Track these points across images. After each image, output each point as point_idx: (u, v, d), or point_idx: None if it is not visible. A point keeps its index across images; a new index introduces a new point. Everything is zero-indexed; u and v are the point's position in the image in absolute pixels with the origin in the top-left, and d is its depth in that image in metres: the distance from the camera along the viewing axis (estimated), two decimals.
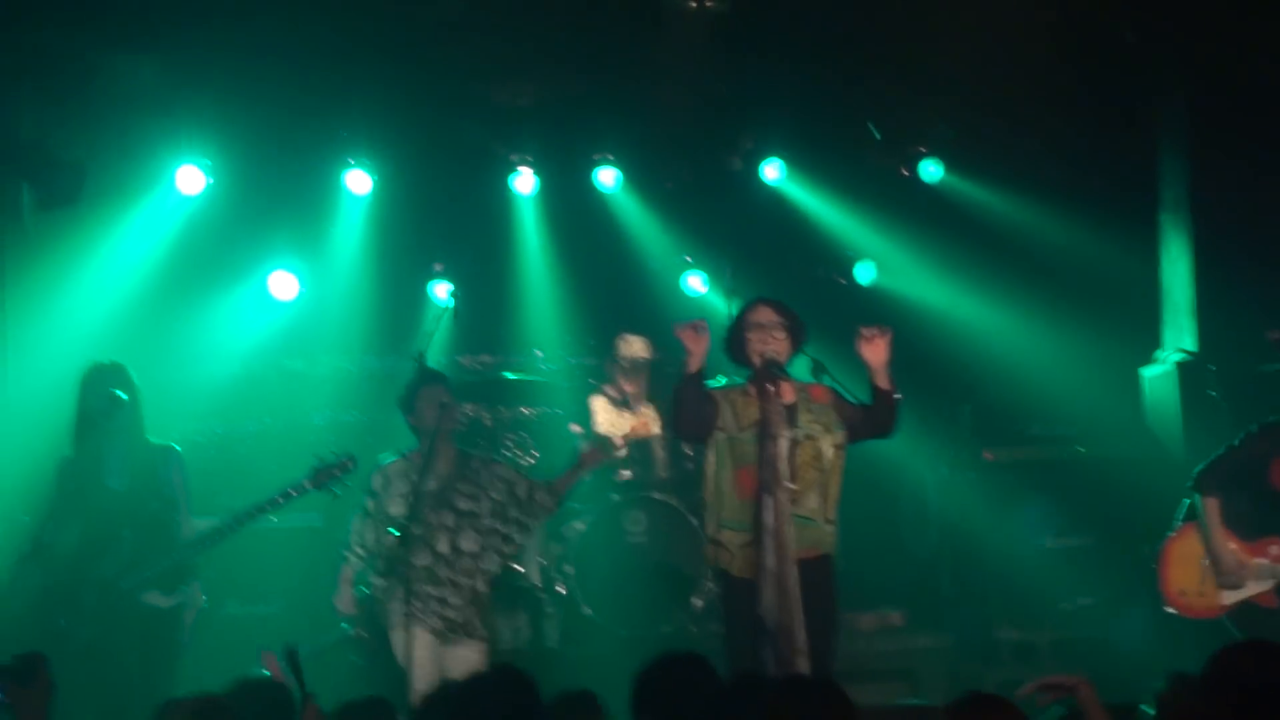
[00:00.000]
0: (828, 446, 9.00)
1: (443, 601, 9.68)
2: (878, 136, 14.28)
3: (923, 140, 14.32)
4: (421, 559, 9.66)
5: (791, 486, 8.79)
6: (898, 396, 9.01)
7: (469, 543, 9.77)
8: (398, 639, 9.63)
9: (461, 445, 10.16)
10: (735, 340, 9.14)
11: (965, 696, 5.81)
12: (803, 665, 8.53)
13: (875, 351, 8.90)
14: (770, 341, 8.98)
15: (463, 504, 9.80)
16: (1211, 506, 10.21)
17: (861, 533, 12.33)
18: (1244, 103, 12.66)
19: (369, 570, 9.85)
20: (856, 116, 14.32)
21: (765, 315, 9.07)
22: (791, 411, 8.94)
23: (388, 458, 9.92)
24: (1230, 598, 10.21)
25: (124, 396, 9.54)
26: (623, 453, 11.28)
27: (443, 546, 9.72)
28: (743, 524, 8.87)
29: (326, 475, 9.78)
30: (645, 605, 11.92)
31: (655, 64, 13.62)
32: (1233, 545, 10.18)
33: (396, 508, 9.65)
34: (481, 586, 9.80)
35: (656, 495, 12.20)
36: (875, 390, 8.98)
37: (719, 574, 9.15)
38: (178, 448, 9.90)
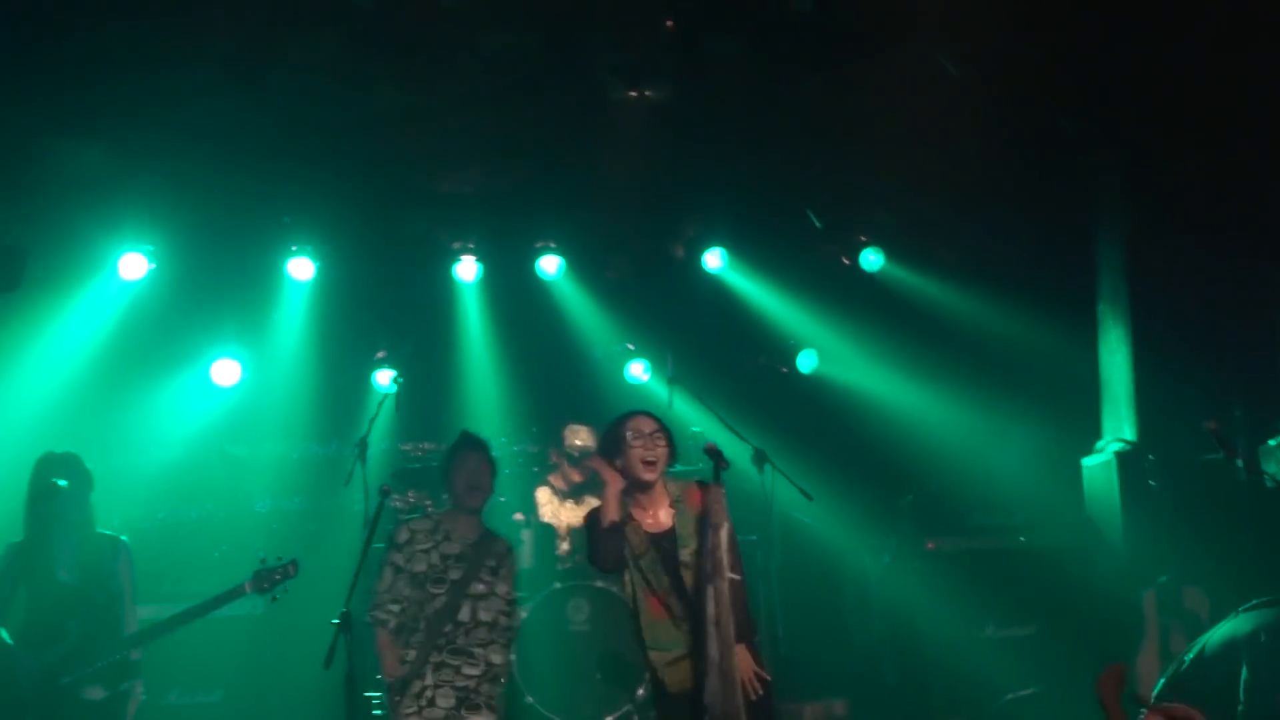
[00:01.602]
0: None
1: (458, 670, 9.62)
2: (818, 225, 14.37)
3: (863, 229, 14.42)
4: (445, 625, 9.62)
5: (734, 577, 8.79)
6: None
7: (487, 614, 9.74)
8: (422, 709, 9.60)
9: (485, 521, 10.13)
10: (615, 449, 9.10)
11: None
12: None
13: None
14: (654, 448, 9.00)
15: (486, 576, 9.78)
16: None
17: (805, 622, 12.38)
18: (1180, 194, 12.78)
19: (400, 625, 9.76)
20: (797, 205, 14.42)
21: (647, 424, 9.09)
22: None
23: (413, 515, 9.85)
24: None
25: (63, 484, 9.50)
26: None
27: (464, 614, 9.67)
28: (659, 643, 8.90)
29: (268, 579, 9.73)
30: (588, 694, 11.88)
31: (597, 153, 13.72)
32: None
33: (419, 565, 9.63)
34: (495, 658, 9.73)
35: (599, 583, 12.17)
36: None
37: (654, 684, 9.10)
38: (125, 539, 9.86)
